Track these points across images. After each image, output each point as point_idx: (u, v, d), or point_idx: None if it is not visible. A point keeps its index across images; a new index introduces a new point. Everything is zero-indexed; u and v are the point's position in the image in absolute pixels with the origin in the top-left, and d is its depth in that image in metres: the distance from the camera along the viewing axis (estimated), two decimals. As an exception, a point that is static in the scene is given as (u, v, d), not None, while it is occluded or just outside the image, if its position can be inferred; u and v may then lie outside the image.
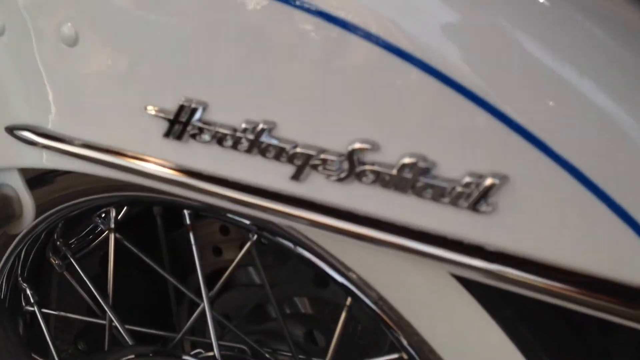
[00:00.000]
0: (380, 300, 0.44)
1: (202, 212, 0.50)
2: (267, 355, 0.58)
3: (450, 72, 0.30)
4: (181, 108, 0.36)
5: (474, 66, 0.30)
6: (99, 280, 0.61)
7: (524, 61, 0.30)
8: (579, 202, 0.29)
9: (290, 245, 0.47)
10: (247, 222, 0.47)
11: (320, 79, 0.33)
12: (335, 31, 0.32)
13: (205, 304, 0.53)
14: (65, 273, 0.61)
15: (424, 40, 0.31)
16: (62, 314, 0.62)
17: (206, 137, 0.36)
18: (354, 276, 0.45)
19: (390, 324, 0.45)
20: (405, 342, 0.45)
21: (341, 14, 0.31)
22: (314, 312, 0.63)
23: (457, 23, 0.31)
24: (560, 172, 0.29)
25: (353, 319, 0.59)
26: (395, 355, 0.47)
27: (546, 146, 0.29)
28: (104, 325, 0.62)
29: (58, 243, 0.58)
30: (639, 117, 0.29)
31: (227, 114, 0.36)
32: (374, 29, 0.31)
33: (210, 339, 0.54)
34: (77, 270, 0.60)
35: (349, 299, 0.47)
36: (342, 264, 0.44)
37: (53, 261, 0.60)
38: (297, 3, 0.32)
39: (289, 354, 0.60)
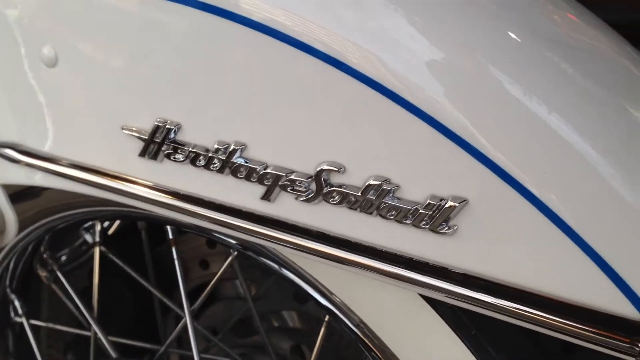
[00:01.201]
0: (361, 323, 0.45)
1: (184, 228, 0.51)
2: (250, 369, 0.59)
3: (418, 102, 0.31)
4: (156, 128, 0.37)
5: (441, 98, 0.31)
6: (88, 293, 0.61)
7: (488, 94, 0.30)
8: (532, 225, 0.29)
9: (275, 266, 0.47)
10: (229, 238, 0.48)
11: (289, 103, 0.33)
12: (307, 61, 0.32)
13: (187, 317, 0.53)
14: (52, 285, 0.61)
15: (399, 74, 0.31)
16: (50, 325, 0.62)
17: (180, 156, 0.37)
18: (337, 300, 0.45)
19: (370, 345, 0.45)
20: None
21: (317, 45, 0.32)
22: (301, 325, 0.64)
23: (430, 59, 0.31)
24: (517, 196, 0.30)
25: (337, 332, 0.59)
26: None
27: (505, 172, 0.30)
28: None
29: (45, 256, 0.59)
30: (599, 149, 0.30)
31: (200, 134, 0.36)
32: (350, 61, 0.32)
33: (191, 351, 0.55)
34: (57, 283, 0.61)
35: (327, 316, 0.48)
36: (324, 287, 0.45)
37: (40, 273, 0.61)
38: (275, 33, 0.33)
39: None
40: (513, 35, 0.31)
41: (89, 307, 0.59)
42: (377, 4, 0.32)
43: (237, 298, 0.68)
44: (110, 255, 0.58)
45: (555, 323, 0.30)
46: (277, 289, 0.62)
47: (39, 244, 0.59)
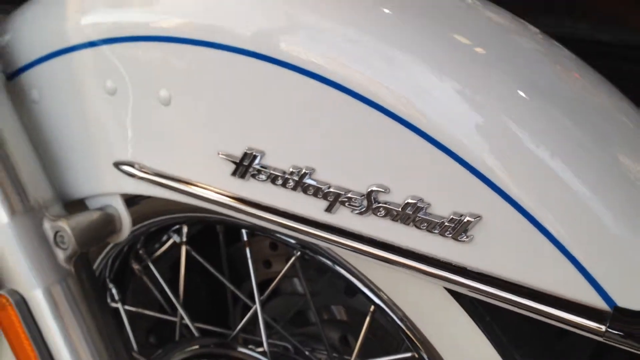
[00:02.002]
0: (404, 317, 0.56)
1: (256, 232, 0.63)
2: (306, 353, 0.70)
3: (448, 143, 0.42)
4: (245, 155, 0.49)
5: (469, 141, 0.41)
6: (168, 284, 0.74)
7: (503, 139, 0.41)
8: (525, 235, 0.40)
9: (330, 263, 0.59)
10: (293, 241, 0.60)
11: (347, 141, 0.44)
12: (363, 108, 0.43)
13: (258, 306, 0.65)
14: (144, 277, 0.74)
15: (435, 119, 0.42)
16: (141, 310, 0.75)
17: (263, 177, 0.49)
18: (383, 295, 0.56)
19: (411, 336, 0.56)
20: (417, 344, 0.56)
21: (368, 95, 0.43)
22: (348, 318, 0.75)
23: (463, 109, 0.42)
24: (518, 216, 0.40)
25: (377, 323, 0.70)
26: (409, 355, 0.58)
27: (512, 199, 0.40)
28: (172, 322, 0.75)
29: (140, 252, 0.72)
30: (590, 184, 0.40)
31: (279, 160, 0.48)
32: (393, 106, 0.43)
33: (260, 337, 0.66)
34: (152, 274, 0.73)
35: (372, 307, 0.59)
36: (372, 283, 0.56)
37: (134, 267, 0.74)
38: (334, 85, 0.44)
39: (325, 353, 0.71)
40: (529, 93, 0.42)
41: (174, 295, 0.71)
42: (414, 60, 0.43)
43: (294, 293, 0.79)
44: (194, 253, 0.71)
45: (539, 310, 0.40)
46: (328, 286, 0.73)
47: (135, 241, 0.71)
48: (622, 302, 0.39)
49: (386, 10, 0.45)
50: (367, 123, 0.44)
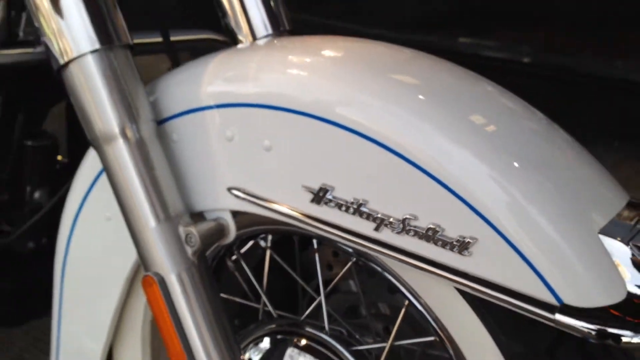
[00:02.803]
0: (429, 309, 0.77)
1: (323, 242, 0.85)
2: (357, 336, 0.91)
3: (457, 189, 0.63)
4: (320, 188, 0.71)
5: (476, 190, 0.62)
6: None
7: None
8: (500, 250, 0.61)
9: (378, 268, 0.80)
10: (350, 250, 0.81)
11: (390, 184, 0.66)
12: (402, 164, 0.65)
13: (322, 298, 0.87)
14: (235, 272, 0.97)
15: (451, 171, 0.63)
16: (235, 299, 0.98)
17: (332, 204, 0.71)
18: (415, 293, 0.77)
19: (435, 325, 0.77)
20: (439, 331, 0.77)
21: (405, 154, 0.65)
22: (389, 312, 0.96)
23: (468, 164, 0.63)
24: (498, 238, 0.61)
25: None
26: (432, 338, 0.79)
27: (494, 226, 0.61)
28: (254, 308, 0.98)
29: (235, 252, 0.95)
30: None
31: (344, 193, 0.70)
32: (422, 162, 0.64)
33: (322, 322, 0.88)
34: (241, 270, 0.97)
35: (407, 302, 0.80)
36: (407, 284, 0.77)
37: (228, 263, 0.97)
38: (385, 147, 0.66)
39: (371, 337, 0.92)
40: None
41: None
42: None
43: (348, 292, 1.01)
44: (275, 256, 0.93)
45: (502, 299, 0.61)
46: (375, 286, 0.94)
47: (231, 244, 0.95)
48: (568, 299, 0.59)
49: (421, 97, 0.67)
50: (400, 172, 0.65)
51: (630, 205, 0.66)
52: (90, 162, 0.92)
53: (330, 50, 0.79)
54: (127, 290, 0.95)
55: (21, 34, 0.99)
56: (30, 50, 0.98)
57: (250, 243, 0.98)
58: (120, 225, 0.82)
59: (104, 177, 0.86)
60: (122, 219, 0.80)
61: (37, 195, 1.14)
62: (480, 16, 2.65)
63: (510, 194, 0.61)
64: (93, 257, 0.96)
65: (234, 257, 0.97)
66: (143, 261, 0.78)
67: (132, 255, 0.88)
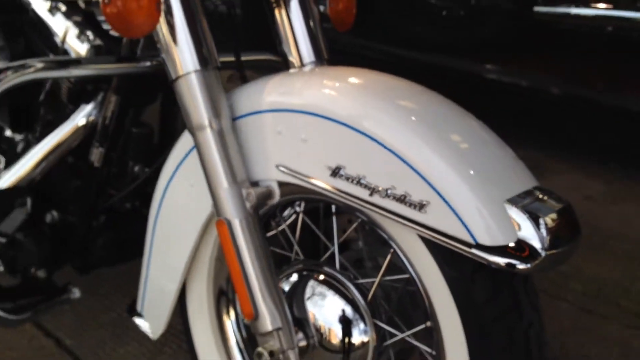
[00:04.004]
0: (403, 253, 1.14)
1: (338, 210, 1.23)
2: (357, 275, 1.29)
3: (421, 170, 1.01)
4: (336, 167, 1.09)
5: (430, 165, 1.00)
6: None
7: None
8: (444, 212, 0.98)
9: (376, 229, 1.18)
10: (357, 213, 1.19)
11: (378, 168, 1.04)
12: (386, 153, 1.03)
13: (336, 249, 1.25)
14: (277, 231, 1.36)
15: (426, 166, 1.01)
16: (272, 248, 1.36)
17: (343, 178, 1.09)
18: (396, 240, 1.15)
19: (409, 268, 1.14)
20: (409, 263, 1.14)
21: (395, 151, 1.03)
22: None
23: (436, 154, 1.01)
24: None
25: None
26: (407, 275, 1.16)
27: (441, 194, 0.98)
28: (287, 256, 1.37)
29: (277, 214, 1.34)
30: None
31: (350, 172, 1.08)
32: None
33: (335, 265, 1.26)
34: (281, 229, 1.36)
35: (392, 250, 1.17)
36: (393, 238, 1.15)
37: (272, 222, 1.36)
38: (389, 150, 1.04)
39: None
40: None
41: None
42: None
43: (355, 249, 1.39)
44: (305, 218, 1.32)
45: (443, 240, 0.97)
46: (375, 241, 1.32)
47: (274, 207, 1.33)
48: (481, 240, 0.96)
49: (413, 118, 1.05)
50: (387, 160, 1.03)
51: (534, 189, 1.03)
52: (181, 145, 1.33)
53: (352, 79, 1.17)
54: (200, 237, 1.35)
55: (139, 52, 1.40)
56: (143, 64, 1.39)
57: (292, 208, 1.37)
58: (199, 189, 1.22)
59: (190, 156, 1.27)
60: (202, 185, 1.21)
61: (136, 169, 1.55)
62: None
63: (451, 175, 0.98)
64: (178, 213, 1.37)
65: (277, 220, 1.36)
66: (217, 209, 1.17)
67: (206, 211, 1.28)
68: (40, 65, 1.25)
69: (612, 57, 2.79)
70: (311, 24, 1.34)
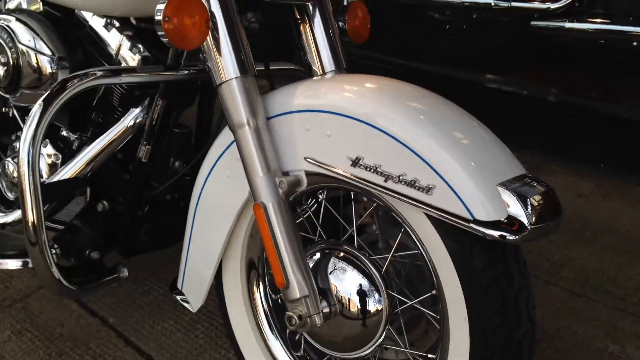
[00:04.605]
0: (413, 231, 1.34)
1: (357, 197, 1.44)
2: (372, 253, 1.49)
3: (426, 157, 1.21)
4: (356, 157, 1.30)
5: (434, 155, 1.21)
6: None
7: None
8: (447, 194, 1.18)
9: (390, 212, 1.39)
10: (374, 199, 1.40)
11: (393, 157, 1.25)
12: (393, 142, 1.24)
13: (354, 231, 1.45)
14: (299, 212, 1.56)
15: (432, 155, 1.22)
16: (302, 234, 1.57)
17: (362, 167, 1.29)
18: (407, 221, 1.35)
19: (418, 245, 1.35)
20: (420, 241, 1.35)
21: (400, 140, 1.24)
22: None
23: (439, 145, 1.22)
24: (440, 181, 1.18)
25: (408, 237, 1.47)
26: (416, 251, 1.36)
27: (445, 180, 1.19)
28: (311, 238, 1.57)
29: (303, 200, 1.54)
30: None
31: (369, 161, 1.28)
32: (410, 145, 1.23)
33: (354, 244, 1.47)
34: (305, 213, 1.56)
35: (403, 229, 1.37)
36: (406, 219, 1.35)
37: (297, 208, 1.56)
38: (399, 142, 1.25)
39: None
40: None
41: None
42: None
43: (371, 232, 1.59)
44: (328, 205, 1.52)
45: (447, 217, 1.18)
46: (386, 223, 1.52)
47: (300, 194, 1.54)
48: (477, 216, 1.16)
49: (421, 117, 1.25)
50: (400, 151, 1.24)
51: (523, 176, 1.23)
52: (219, 142, 1.54)
53: (369, 84, 1.39)
54: (236, 220, 1.55)
55: (182, 62, 1.62)
56: (186, 72, 1.61)
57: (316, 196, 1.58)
58: (236, 180, 1.44)
59: (227, 151, 1.49)
60: (238, 176, 1.42)
61: (176, 164, 1.77)
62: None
63: (453, 163, 1.19)
64: (216, 200, 1.58)
65: (303, 207, 1.57)
66: (254, 195, 1.38)
67: (241, 199, 1.49)
68: (101, 73, 1.47)
69: (604, 67, 3.01)
70: (332, 37, 1.55)
